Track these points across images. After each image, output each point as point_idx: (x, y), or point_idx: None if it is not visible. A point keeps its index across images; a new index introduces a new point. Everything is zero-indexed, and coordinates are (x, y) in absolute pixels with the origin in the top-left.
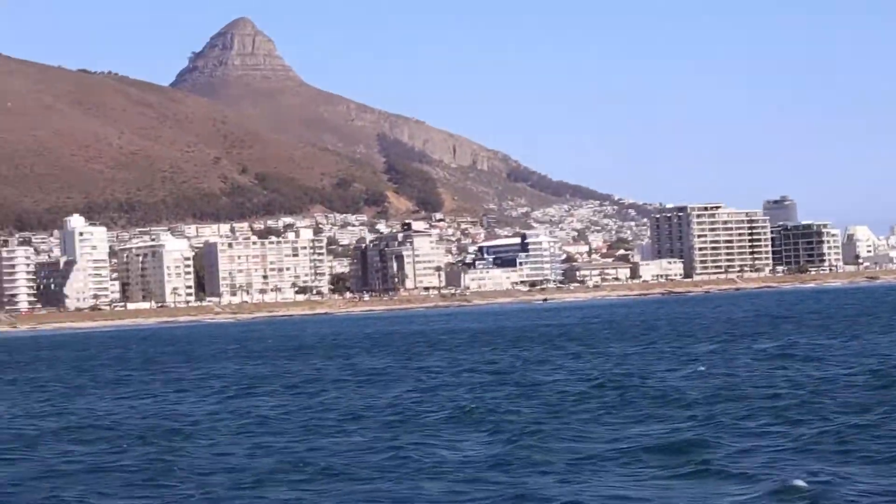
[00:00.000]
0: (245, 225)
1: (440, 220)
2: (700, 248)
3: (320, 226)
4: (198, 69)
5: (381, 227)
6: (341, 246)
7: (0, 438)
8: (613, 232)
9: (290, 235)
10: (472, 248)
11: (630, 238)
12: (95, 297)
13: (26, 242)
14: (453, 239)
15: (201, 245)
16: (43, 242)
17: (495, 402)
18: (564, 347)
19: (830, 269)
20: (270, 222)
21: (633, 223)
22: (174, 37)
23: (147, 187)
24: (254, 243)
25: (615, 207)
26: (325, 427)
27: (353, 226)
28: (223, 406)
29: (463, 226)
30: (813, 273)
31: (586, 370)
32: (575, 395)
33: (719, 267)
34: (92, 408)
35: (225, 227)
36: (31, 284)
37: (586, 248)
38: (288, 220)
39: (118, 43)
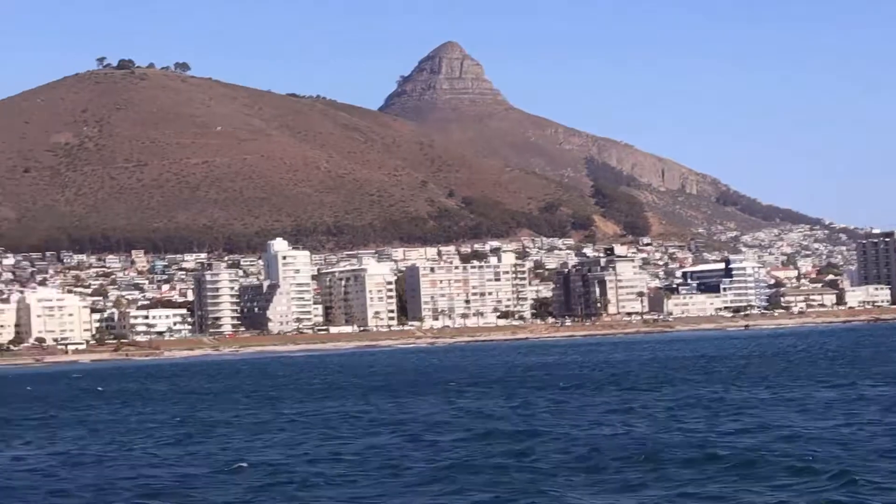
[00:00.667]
0: (451, 248)
1: (647, 245)
2: None
3: (527, 250)
4: (406, 93)
5: (588, 251)
6: (548, 270)
7: None
8: (824, 257)
9: (493, 260)
10: (678, 273)
11: (841, 263)
12: (298, 320)
13: (235, 265)
14: (660, 264)
15: (407, 269)
16: (252, 265)
17: None
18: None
19: None
20: (477, 246)
21: (843, 248)
22: (383, 61)
23: (355, 210)
24: (456, 267)
25: (826, 232)
26: None
27: (560, 250)
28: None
29: (670, 250)
30: None
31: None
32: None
33: None
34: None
35: (432, 251)
36: (235, 307)
37: (795, 274)
38: (495, 243)
39: (327, 67)
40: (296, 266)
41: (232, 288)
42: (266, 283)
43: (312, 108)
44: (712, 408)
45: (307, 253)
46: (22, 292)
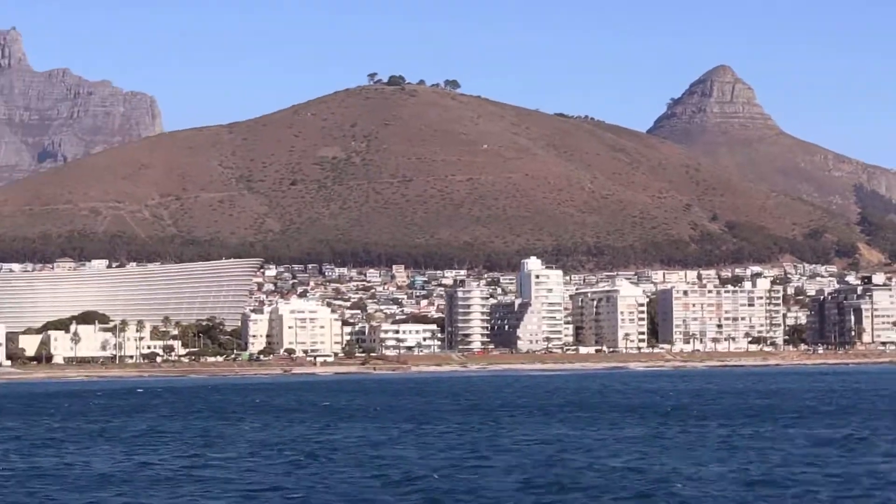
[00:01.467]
0: (712, 272)
1: None
2: None
3: (788, 276)
4: (675, 115)
5: (851, 279)
6: (808, 297)
7: None
8: None
9: (748, 285)
10: None
11: None
12: (547, 339)
13: (494, 283)
14: None
15: (660, 291)
16: (511, 283)
17: None
18: None
19: None
20: (738, 270)
21: None
22: (653, 83)
23: (616, 232)
24: (710, 291)
25: None
26: None
27: (822, 276)
28: None
29: None
30: None
31: None
32: None
33: None
34: None
35: (692, 274)
36: (486, 324)
37: None
38: (756, 268)
39: (596, 88)
40: (548, 285)
41: (483, 305)
42: (518, 302)
43: (579, 129)
44: None
45: (560, 273)
46: (274, 303)
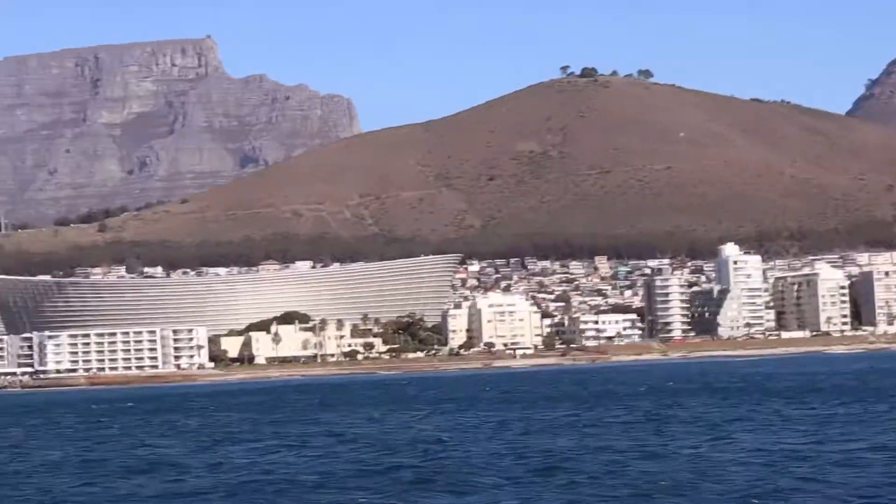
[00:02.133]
0: None
1: None
2: None
3: None
4: (874, 96)
5: None
6: None
7: None
8: None
9: None
10: None
11: None
12: (748, 325)
13: (697, 271)
14: None
15: (861, 274)
16: (714, 271)
17: None
18: None
19: None
20: None
21: None
22: (850, 64)
23: (818, 215)
24: None
25: None
26: None
27: None
28: None
29: None
30: None
31: None
32: None
33: None
34: None
35: None
36: (685, 313)
37: None
38: None
39: (792, 72)
40: (747, 271)
41: (682, 293)
42: (717, 289)
43: (775, 113)
44: None
45: (758, 258)
46: (471, 298)
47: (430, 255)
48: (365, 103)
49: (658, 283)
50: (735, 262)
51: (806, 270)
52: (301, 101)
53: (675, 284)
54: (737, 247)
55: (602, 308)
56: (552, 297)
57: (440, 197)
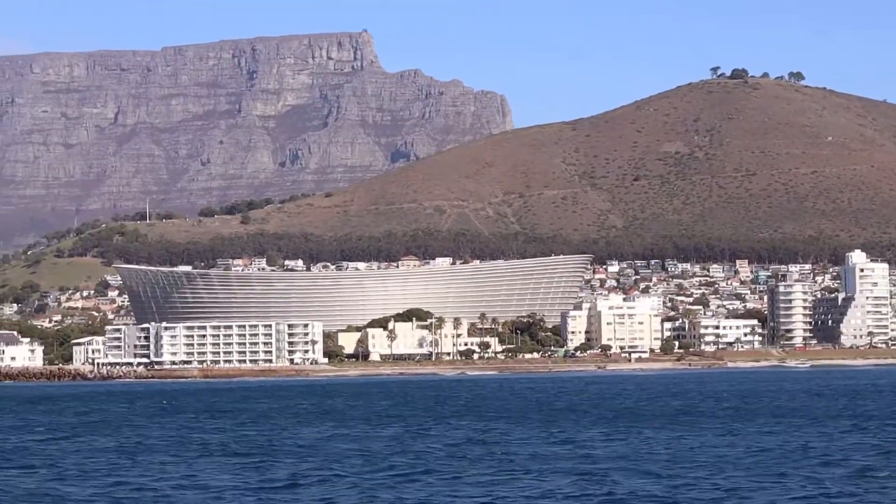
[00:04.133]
0: None
1: None
2: None
3: None
4: None
5: None
6: None
7: None
8: None
9: None
10: None
11: None
12: (870, 334)
13: (839, 277)
14: None
15: None
16: None
17: None
18: None
19: None
20: None
21: None
22: None
23: None
24: None
25: None
26: None
27: None
28: None
29: None
30: None
31: None
32: None
33: None
34: None
35: None
36: (808, 320)
37: None
38: None
39: None
40: (873, 279)
41: (805, 300)
42: (841, 296)
43: None
44: None
45: (885, 266)
46: (593, 299)
47: (562, 255)
48: (518, 100)
49: (781, 289)
50: (861, 270)
51: None
52: (454, 96)
53: (799, 291)
54: (864, 254)
55: (740, 312)
56: (691, 299)
57: (584, 196)
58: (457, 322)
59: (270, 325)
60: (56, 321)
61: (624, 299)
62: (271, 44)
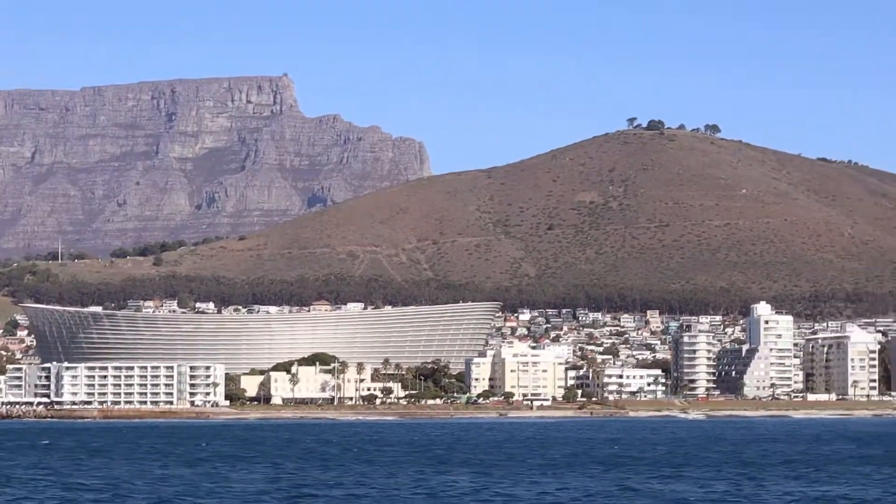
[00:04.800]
0: None
1: None
2: None
3: None
4: None
5: None
6: None
7: None
8: None
9: None
10: None
11: None
12: (773, 386)
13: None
14: None
15: (893, 338)
16: None
17: None
18: None
19: None
20: None
21: None
22: None
23: (876, 278)
24: None
25: None
26: None
27: None
28: None
29: None
30: None
31: None
32: None
33: None
34: None
35: None
36: (712, 370)
37: None
38: None
39: (861, 132)
40: (777, 331)
41: (709, 350)
42: (745, 348)
43: (841, 174)
44: None
45: (790, 318)
46: (498, 346)
47: (470, 302)
48: (436, 147)
49: (686, 339)
50: (766, 322)
51: (823, 333)
52: (373, 142)
53: (703, 341)
54: (769, 306)
55: (649, 362)
56: (601, 349)
57: (498, 244)
58: (360, 367)
59: (172, 367)
60: None
61: (531, 346)
62: (191, 86)
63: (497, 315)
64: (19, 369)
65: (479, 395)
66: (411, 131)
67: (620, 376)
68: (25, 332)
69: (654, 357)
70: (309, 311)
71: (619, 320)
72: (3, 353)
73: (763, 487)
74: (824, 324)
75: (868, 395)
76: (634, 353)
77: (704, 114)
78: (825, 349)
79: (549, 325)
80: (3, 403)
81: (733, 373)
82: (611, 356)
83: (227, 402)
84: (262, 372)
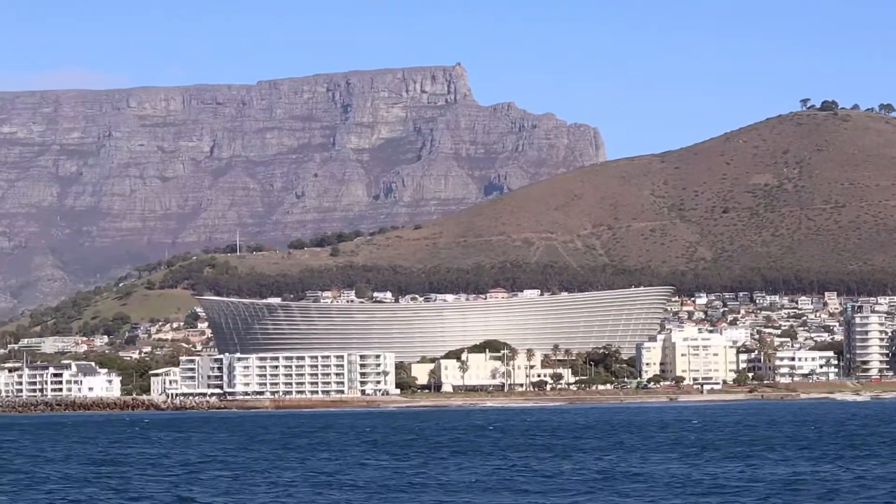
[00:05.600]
0: None
1: None
2: None
3: None
4: None
5: None
6: None
7: None
8: None
9: None
10: None
11: None
12: None
13: None
14: None
15: None
16: None
17: None
18: None
19: None
20: None
21: None
22: None
23: None
24: None
25: None
26: None
27: None
28: None
29: None
30: None
31: None
32: None
33: None
34: None
35: None
36: (885, 351)
37: None
38: None
39: None
40: None
41: (882, 331)
42: None
43: None
44: None
45: None
46: (668, 331)
47: (642, 287)
48: (611, 132)
49: (857, 320)
50: None
51: None
52: (548, 129)
53: (875, 322)
54: None
55: (826, 344)
56: (778, 331)
57: (673, 228)
58: (530, 353)
59: (342, 357)
60: (146, 353)
61: (708, 330)
62: (365, 77)
63: (673, 299)
64: (192, 361)
65: (649, 380)
66: (585, 117)
67: (793, 359)
68: (205, 324)
69: (832, 339)
70: (486, 298)
71: (797, 303)
72: (185, 345)
73: None
74: None
75: None
76: (812, 335)
77: (878, 93)
78: None
79: (726, 309)
80: (177, 395)
81: None
82: (788, 339)
83: (398, 391)
84: (433, 360)
